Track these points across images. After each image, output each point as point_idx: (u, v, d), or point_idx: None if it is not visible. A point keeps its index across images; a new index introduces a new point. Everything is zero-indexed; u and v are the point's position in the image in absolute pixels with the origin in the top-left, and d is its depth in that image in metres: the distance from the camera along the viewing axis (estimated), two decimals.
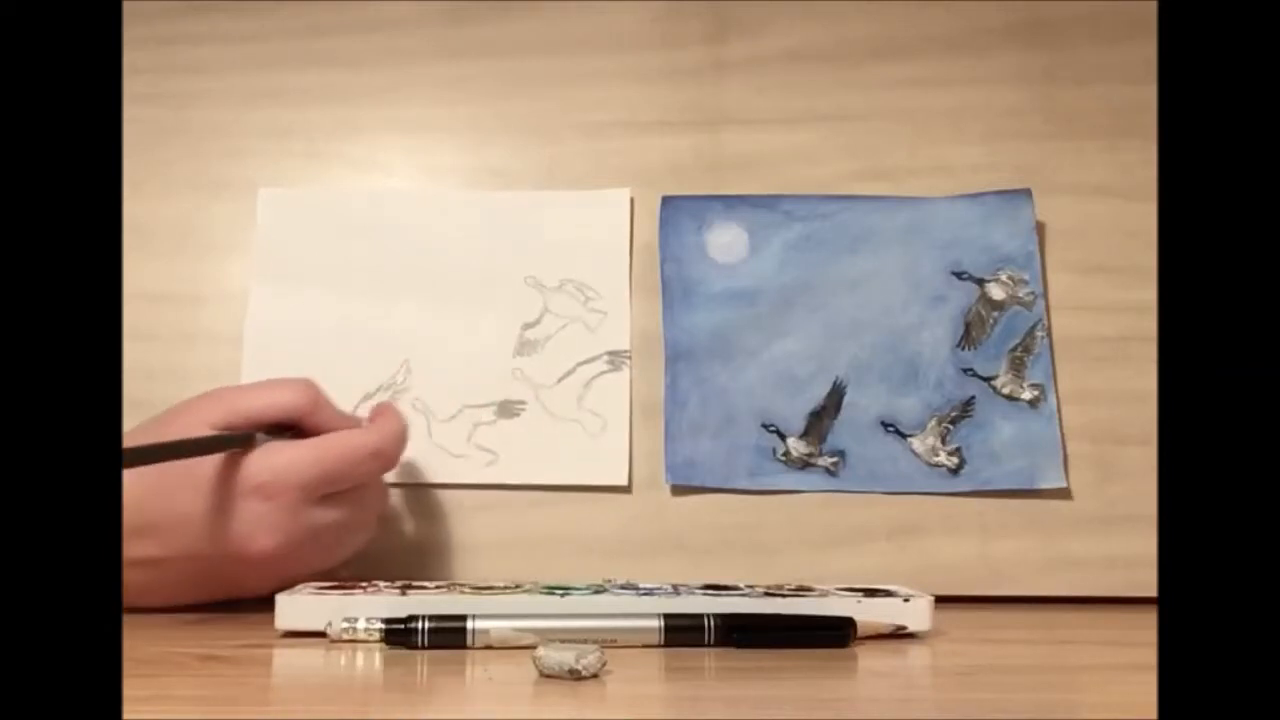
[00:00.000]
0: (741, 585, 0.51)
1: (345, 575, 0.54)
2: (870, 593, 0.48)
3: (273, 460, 0.51)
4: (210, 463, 0.50)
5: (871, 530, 0.62)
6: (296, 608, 0.45)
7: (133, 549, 0.49)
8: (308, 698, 0.36)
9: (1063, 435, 0.62)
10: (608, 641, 0.41)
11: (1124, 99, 0.66)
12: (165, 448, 0.47)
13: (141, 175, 0.66)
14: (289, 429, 0.53)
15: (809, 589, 0.50)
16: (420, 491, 0.62)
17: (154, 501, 0.50)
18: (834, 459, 0.63)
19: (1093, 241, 0.65)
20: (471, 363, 0.64)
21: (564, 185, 0.67)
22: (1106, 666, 0.43)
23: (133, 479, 0.49)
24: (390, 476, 0.61)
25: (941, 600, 0.48)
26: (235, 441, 0.50)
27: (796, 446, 0.63)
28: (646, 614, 0.43)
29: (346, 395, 0.62)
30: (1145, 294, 0.63)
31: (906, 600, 0.46)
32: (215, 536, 0.50)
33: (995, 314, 0.64)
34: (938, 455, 0.62)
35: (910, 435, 0.63)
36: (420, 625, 0.42)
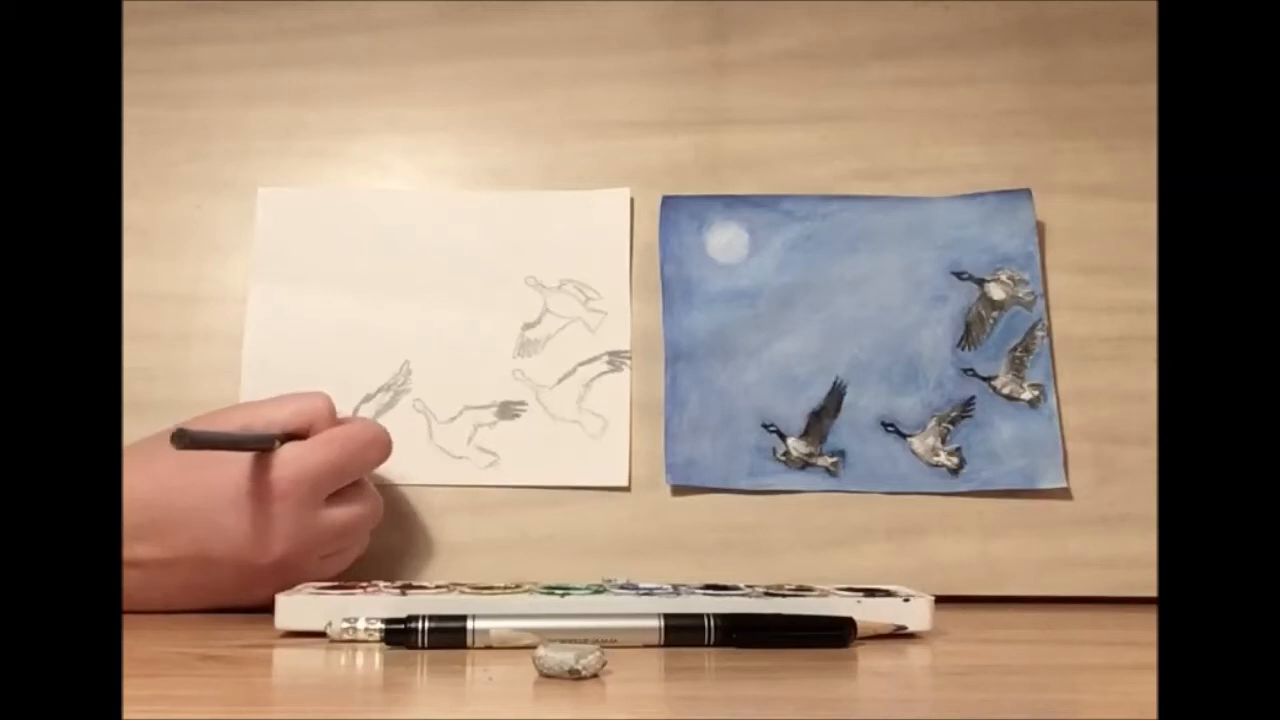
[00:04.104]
0: (741, 585, 0.51)
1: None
2: (870, 593, 0.48)
3: (282, 458, 0.51)
4: (221, 464, 0.50)
5: (871, 530, 0.62)
6: (296, 608, 0.45)
7: (136, 550, 0.49)
8: (308, 698, 0.36)
9: (1063, 435, 0.62)
10: (608, 641, 0.41)
11: (1124, 99, 0.66)
12: (194, 437, 0.47)
13: (141, 175, 0.66)
14: (303, 439, 0.53)
15: (809, 589, 0.50)
16: (421, 492, 0.62)
17: (162, 500, 0.50)
18: (834, 459, 0.63)
19: (1093, 241, 0.65)
20: (472, 363, 0.64)
21: (564, 185, 0.67)
22: (1106, 666, 0.43)
23: (139, 478, 0.49)
24: (392, 477, 0.61)
25: (941, 600, 0.48)
26: (258, 441, 0.51)
27: (796, 446, 0.63)
28: (646, 614, 0.43)
29: (346, 395, 0.62)
30: (1145, 294, 0.63)
31: (906, 600, 0.46)
32: (223, 538, 0.50)
33: (995, 314, 0.64)
34: (938, 455, 0.62)
35: (910, 435, 0.63)
36: (420, 625, 0.42)
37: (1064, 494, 0.62)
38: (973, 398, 0.63)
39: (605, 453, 0.63)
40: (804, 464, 0.63)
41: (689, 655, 0.42)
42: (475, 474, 0.63)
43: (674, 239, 0.65)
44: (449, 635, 0.42)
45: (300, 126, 0.68)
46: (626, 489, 0.63)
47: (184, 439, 0.45)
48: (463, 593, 0.47)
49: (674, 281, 0.65)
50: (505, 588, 0.49)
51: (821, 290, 0.65)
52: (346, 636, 0.43)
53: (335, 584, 0.51)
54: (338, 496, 0.53)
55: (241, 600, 0.51)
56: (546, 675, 0.36)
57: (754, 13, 0.69)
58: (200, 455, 0.49)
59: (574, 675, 0.36)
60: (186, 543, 0.50)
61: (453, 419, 0.64)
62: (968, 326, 0.64)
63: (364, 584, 0.50)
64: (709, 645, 0.43)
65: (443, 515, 0.62)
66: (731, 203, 0.66)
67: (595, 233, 0.66)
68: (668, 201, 0.66)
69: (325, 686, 0.38)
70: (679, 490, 0.63)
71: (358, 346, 0.64)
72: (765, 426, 0.63)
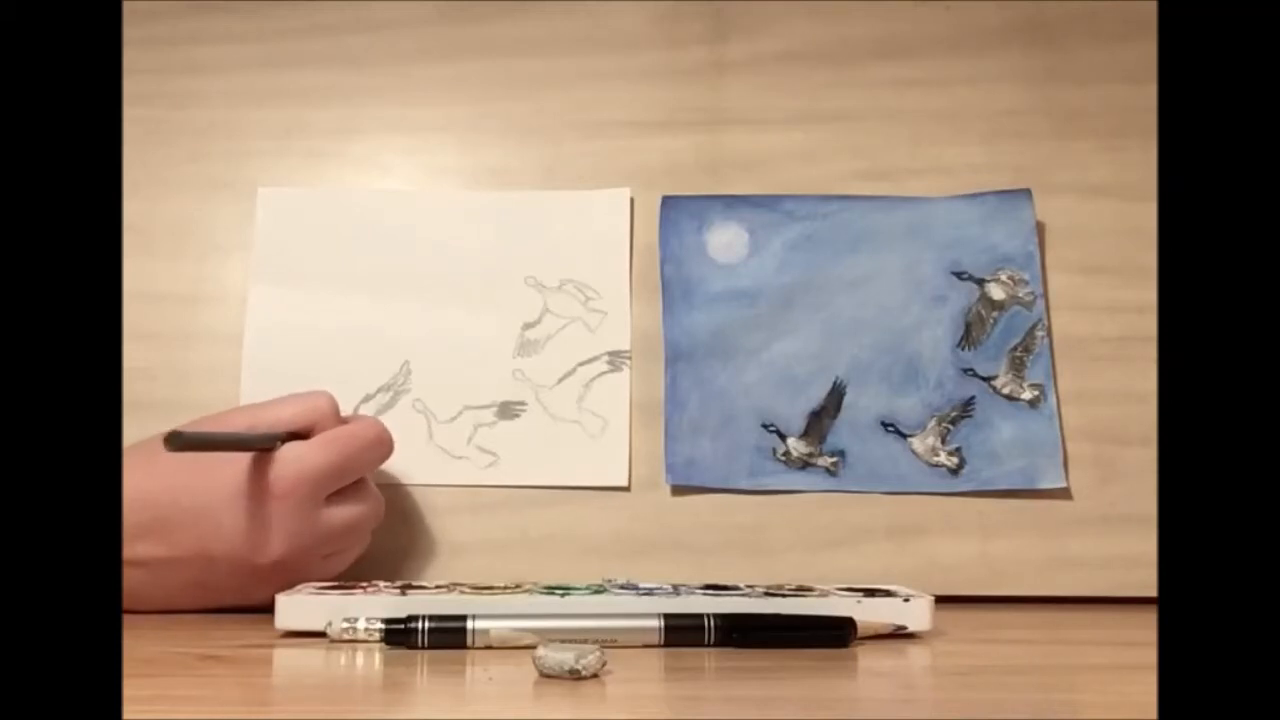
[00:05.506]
0: (741, 585, 0.51)
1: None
2: (870, 593, 0.48)
3: (285, 458, 0.51)
4: (226, 463, 0.50)
5: (871, 530, 0.62)
6: (296, 608, 0.45)
7: (139, 549, 0.49)
8: (308, 698, 0.36)
9: (1063, 435, 0.62)
10: (608, 641, 0.41)
11: (1124, 99, 0.66)
12: (187, 439, 0.47)
13: (141, 175, 0.66)
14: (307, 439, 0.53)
15: (809, 589, 0.50)
16: (421, 492, 0.62)
17: (165, 498, 0.50)
18: (834, 459, 0.63)
19: (1093, 241, 0.65)
20: (472, 363, 0.64)
21: (564, 185, 0.67)
22: (1106, 666, 0.43)
23: (141, 477, 0.49)
24: (392, 477, 0.61)
25: (941, 600, 0.48)
26: (261, 441, 0.51)
27: (796, 446, 0.63)
28: (646, 614, 0.43)
29: (347, 395, 0.62)
30: (1145, 294, 0.63)
31: (906, 600, 0.46)
32: (225, 537, 0.50)
33: (995, 314, 0.64)
34: (938, 455, 0.62)
35: (910, 435, 0.63)
36: (420, 625, 0.42)
37: (1064, 494, 0.62)
38: (973, 398, 0.63)
39: (605, 453, 0.63)
40: (804, 464, 0.63)
41: (689, 655, 0.42)
42: (475, 474, 0.63)
43: (674, 239, 0.65)
44: (449, 635, 0.42)
45: (300, 126, 0.68)
46: (626, 489, 0.63)
47: (178, 440, 0.45)
48: (463, 593, 0.47)
49: (674, 281, 0.65)
50: (505, 588, 0.49)
51: (821, 290, 0.65)
52: (346, 636, 0.43)
53: (335, 584, 0.51)
54: (339, 496, 0.53)
55: (243, 599, 0.51)
56: (546, 675, 0.36)
57: (754, 13, 0.69)
58: (203, 455, 0.50)
59: (574, 675, 0.36)
60: (189, 542, 0.50)
61: (453, 419, 0.64)
62: (968, 326, 0.64)
63: (364, 584, 0.50)
64: (709, 645, 0.43)
65: (443, 515, 0.62)
66: (731, 203, 0.66)
67: (595, 233, 0.66)
68: (668, 201, 0.66)
69: (325, 686, 0.38)
70: (679, 490, 0.63)
71: (358, 346, 0.64)
72: (765, 426, 0.63)
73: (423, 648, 0.42)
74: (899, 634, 0.45)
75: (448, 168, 0.68)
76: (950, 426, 0.63)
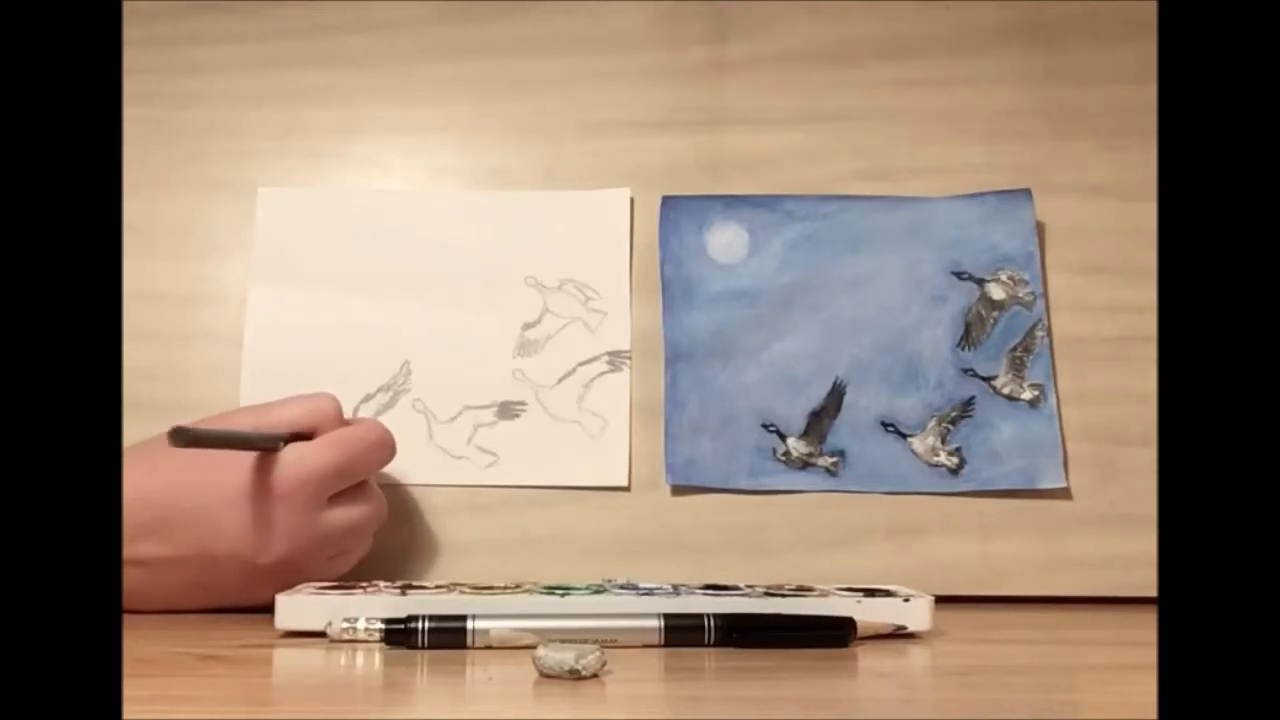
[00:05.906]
0: (741, 585, 0.51)
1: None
2: (870, 593, 0.48)
3: (288, 459, 0.51)
4: (228, 463, 0.50)
5: (871, 530, 0.62)
6: (296, 608, 0.45)
7: (141, 548, 0.49)
8: (308, 698, 0.36)
9: (1063, 435, 0.62)
10: (608, 641, 0.41)
11: (1124, 99, 0.66)
12: (192, 435, 0.47)
13: (141, 175, 0.66)
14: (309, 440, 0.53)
15: (809, 589, 0.50)
16: (421, 492, 0.62)
17: (167, 498, 0.50)
18: (834, 459, 0.63)
19: (1093, 241, 0.65)
20: (472, 363, 0.64)
21: (564, 185, 0.67)
22: (1106, 666, 0.43)
23: (143, 476, 0.49)
24: (392, 477, 0.61)
25: (941, 600, 0.48)
26: (265, 441, 0.51)
27: (796, 446, 0.63)
28: (646, 614, 0.43)
29: (347, 395, 0.62)
30: (1145, 294, 0.63)
31: (906, 600, 0.46)
32: (227, 537, 0.50)
33: (995, 314, 0.64)
34: (938, 455, 0.62)
35: (910, 435, 0.63)
36: (420, 625, 0.42)
37: (1064, 494, 0.62)
38: (973, 398, 0.63)
39: (605, 453, 0.63)
40: (804, 464, 0.63)
41: (689, 655, 0.42)
42: (475, 474, 0.63)
43: (674, 239, 0.65)
44: (449, 635, 0.42)
45: (300, 126, 0.68)
46: (626, 489, 0.63)
47: (183, 437, 0.45)
48: (463, 593, 0.47)
49: (674, 281, 0.65)
50: (505, 588, 0.49)
51: (821, 290, 0.65)
52: (346, 636, 0.43)
53: (335, 584, 0.51)
54: (342, 497, 0.53)
55: (245, 600, 0.51)
56: (546, 675, 0.36)
57: (754, 13, 0.69)
58: (206, 455, 0.49)
59: (574, 675, 0.36)
60: (191, 541, 0.50)
61: (453, 419, 0.64)
62: (968, 326, 0.64)
63: (364, 584, 0.50)
64: (709, 645, 0.43)
65: (443, 515, 0.62)
66: (731, 203, 0.66)
67: (595, 233, 0.66)
68: (668, 201, 0.66)
69: (325, 686, 0.38)
70: (679, 490, 0.63)
71: (358, 346, 0.64)
72: (765, 426, 0.63)
73: (423, 648, 0.42)
74: (899, 634, 0.45)
75: (448, 168, 0.68)
76: (950, 426, 0.63)
